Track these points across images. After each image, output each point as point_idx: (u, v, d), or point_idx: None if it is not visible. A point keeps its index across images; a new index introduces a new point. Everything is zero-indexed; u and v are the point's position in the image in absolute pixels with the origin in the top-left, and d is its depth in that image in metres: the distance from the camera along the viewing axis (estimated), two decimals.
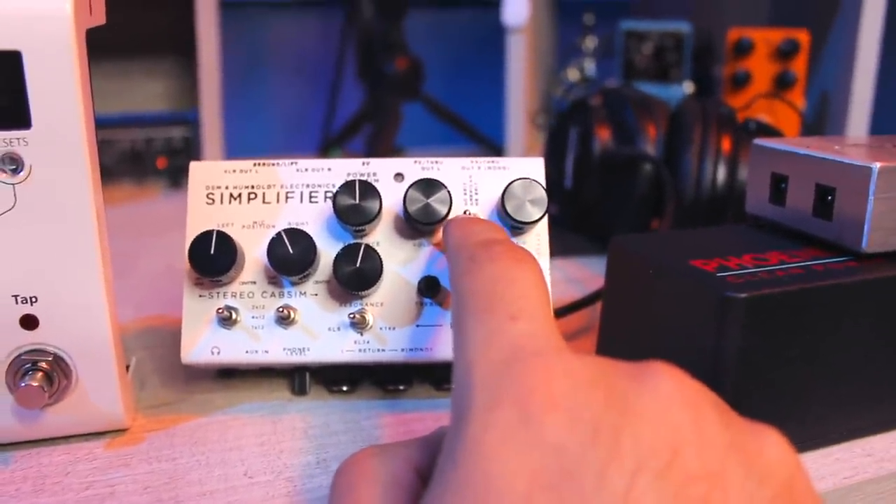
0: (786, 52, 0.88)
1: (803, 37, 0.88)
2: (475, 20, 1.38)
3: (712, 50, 1.02)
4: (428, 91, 1.09)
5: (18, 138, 0.32)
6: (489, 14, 1.09)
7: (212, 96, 0.92)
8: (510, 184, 0.37)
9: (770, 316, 0.33)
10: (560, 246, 0.63)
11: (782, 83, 0.89)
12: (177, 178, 0.93)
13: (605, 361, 0.22)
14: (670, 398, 0.20)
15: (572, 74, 1.03)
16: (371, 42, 1.04)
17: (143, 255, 0.66)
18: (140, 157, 0.93)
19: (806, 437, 0.36)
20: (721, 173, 0.58)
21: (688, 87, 0.96)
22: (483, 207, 0.39)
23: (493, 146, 1.08)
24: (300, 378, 0.40)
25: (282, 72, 1.31)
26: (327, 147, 1.12)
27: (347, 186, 0.37)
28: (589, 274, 0.61)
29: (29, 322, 0.34)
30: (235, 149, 1.01)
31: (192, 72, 0.94)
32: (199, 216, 0.39)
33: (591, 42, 1.05)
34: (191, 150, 0.94)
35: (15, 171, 0.32)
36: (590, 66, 1.05)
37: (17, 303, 0.34)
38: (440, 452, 0.21)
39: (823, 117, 0.94)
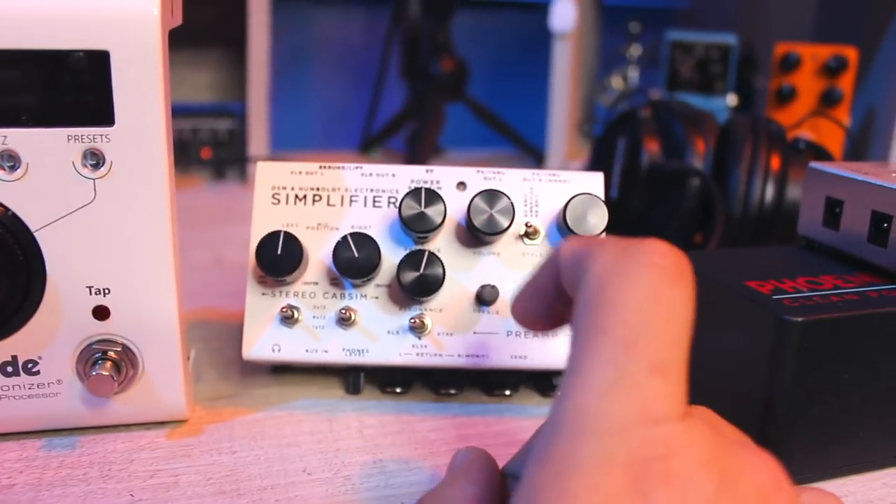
0: (833, 69, 0.88)
1: (851, 53, 0.88)
2: (520, 22, 1.38)
3: (755, 62, 1.02)
4: (470, 92, 1.09)
5: (101, 135, 0.33)
6: (534, 16, 1.10)
7: (259, 89, 0.93)
8: (572, 198, 0.38)
9: (825, 341, 0.33)
10: None
11: (828, 100, 0.89)
12: (221, 169, 0.94)
13: (721, 434, 0.22)
14: (770, 488, 0.22)
15: (616, 82, 1.04)
16: (417, 41, 1.04)
17: (190, 246, 0.67)
18: (185, 147, 0.94)
19: (854, 460, 0.36)
20: (770, 191, 0.58)
21: (731, 100, 0.96)
22: (543, 219, 0.40)
23: (533, 150, 1.09)
24: (355, 378, 0.41)
25: (327, 67, 1.32)
26: (368, 144, 1.13)
27: (414, 194, 0.38)
28: None
29: (101, 313, 0.35)
30: (277, 142, 1.02)
31: (240, 64, 0.95)
32: (265, 215, 0.40)
33: (635, 50, 1.05)
34: (235, 142, 0.95)
35: (96, 167, 0.33)
36: (633, 75, 1.05)
37: (90, 294, 0.35)
38: (519, 490, 0.21)
39: (868, 134, 0.93)
